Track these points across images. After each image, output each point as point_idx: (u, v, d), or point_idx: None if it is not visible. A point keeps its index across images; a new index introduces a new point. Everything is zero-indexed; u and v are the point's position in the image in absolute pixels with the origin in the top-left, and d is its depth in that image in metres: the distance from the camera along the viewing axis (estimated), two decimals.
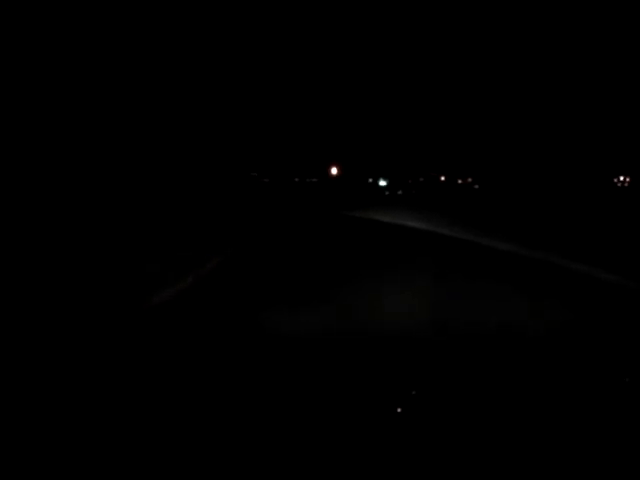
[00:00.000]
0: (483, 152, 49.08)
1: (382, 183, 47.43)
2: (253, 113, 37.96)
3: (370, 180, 46.77)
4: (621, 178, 49.53)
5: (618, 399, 2.82)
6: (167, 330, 5.82)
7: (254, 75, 38.78)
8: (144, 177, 23.17)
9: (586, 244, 11.81)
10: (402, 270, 9.38)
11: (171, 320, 6.30)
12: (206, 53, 33.02)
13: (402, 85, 44.46)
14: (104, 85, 23.04)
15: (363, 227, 17.48)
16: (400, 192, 43.93)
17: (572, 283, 8.35)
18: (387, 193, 43.60)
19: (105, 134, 21.81)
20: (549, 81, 41.59)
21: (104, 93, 22.81)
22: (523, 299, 7.10)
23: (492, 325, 5.85)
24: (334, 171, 44.51)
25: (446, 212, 22.21)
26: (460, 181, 54.69)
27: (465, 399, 3.07)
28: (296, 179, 41.84)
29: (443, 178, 53.54)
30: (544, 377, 3.32)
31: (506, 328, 5.74)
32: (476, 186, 54.81)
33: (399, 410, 3.10)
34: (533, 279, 8.70)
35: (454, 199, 35.34)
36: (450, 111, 46.37)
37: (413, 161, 48.82)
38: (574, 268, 9.28)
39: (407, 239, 14.14)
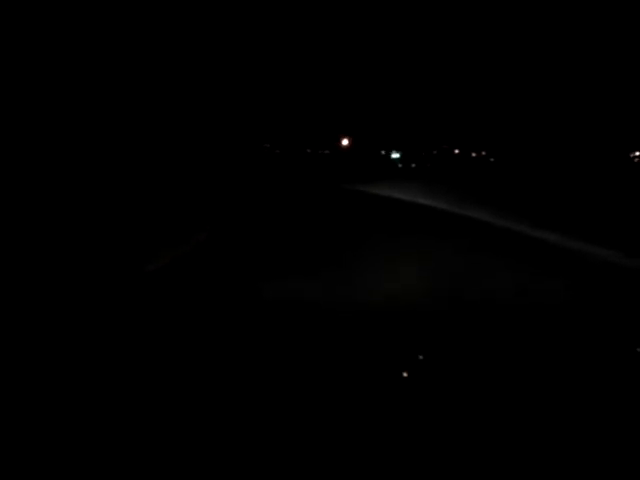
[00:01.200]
0: (498, 125, 48.41)
1: (395, 155, 46.84)
2: (266, 85, 37.59)
3: (382, 152, 46.21)
4: (637, 153, 48.68)
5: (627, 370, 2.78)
6: (167, 290, 6.07)
7: (267, 46, 38.28)
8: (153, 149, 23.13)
9: (599, 224, 11.63)
10: (405, 246, 9.38)
11: (174, 282, 6.53)
12: (218, 24, 32.57)
13: (415, 57, 43.70)
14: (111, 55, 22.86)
15: (369, 203, 17.37)
16: (413, 165, 43.42)
17: (585, 265, 8.29)
18: (400, 166, 43.10)
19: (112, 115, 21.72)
20: (565, 51, 40.64)
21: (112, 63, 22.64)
22: (526, 277, 7.09)
23: (494, 299, 5.89)
24: (345, 142, 44.02)
25: (459, 188, 21.97)
26: (474, 154, 53.97)
27: (469, 365, 3.04)
28: (308, 150, 41.47)
29: (457, 151, 52.83)
30: (549, 350, 3.28)
31: (508, 303, 5.78)
32: (491, 159, 54.03)
33: (405, 375, 3.09)
34: (540, 258, 8.67)
35: (468, 174, 34.95)
36: (464, 83, 45.61)
37: (426, 134, 48.22)
38: (589, 251, 9.17)
39: (416, 216, 14.05)
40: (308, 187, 22.35)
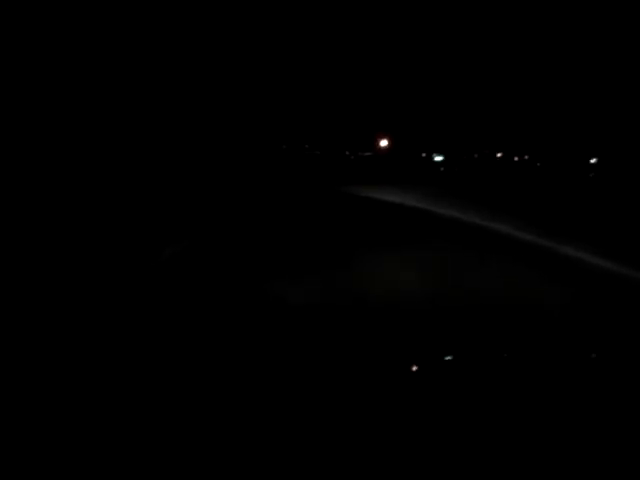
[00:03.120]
0: (545, 127, 47.22)
1: (437, 158, 45.97)
2: (307, 84, 37.77)
3: (423, 155, 45.43)
4: None
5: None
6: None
7: (308, 43, 38.44)
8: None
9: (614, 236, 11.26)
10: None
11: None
12: (254, 21, 32.93)
13: (456, 56, 43.09)
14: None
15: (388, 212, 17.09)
16: (457, 169, 42.71)
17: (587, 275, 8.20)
18: (442, 169, 42.38)
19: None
20: (615, 61, 39.26)
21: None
22: (528, 283, 7.11)
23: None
24: (384, 143, 43.36)
25: (490, 194, 21.52)
26: (517, 158, 52.74)
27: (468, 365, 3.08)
28: (347, 152, 41.25)
29: (499, 155, 51.74)
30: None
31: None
32: (538, 164, 52.69)
33: (414, 368, 3.15)
34: (548, 268, 8.62)
35: (513, 180, 33.98)
36: (507, 85, 44.68)
37: (469, 136, 47.42)
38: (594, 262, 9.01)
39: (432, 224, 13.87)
40: (321, 192, 22.28)
